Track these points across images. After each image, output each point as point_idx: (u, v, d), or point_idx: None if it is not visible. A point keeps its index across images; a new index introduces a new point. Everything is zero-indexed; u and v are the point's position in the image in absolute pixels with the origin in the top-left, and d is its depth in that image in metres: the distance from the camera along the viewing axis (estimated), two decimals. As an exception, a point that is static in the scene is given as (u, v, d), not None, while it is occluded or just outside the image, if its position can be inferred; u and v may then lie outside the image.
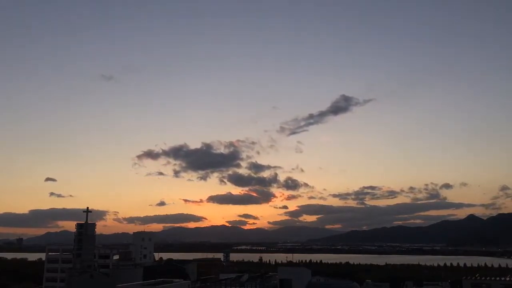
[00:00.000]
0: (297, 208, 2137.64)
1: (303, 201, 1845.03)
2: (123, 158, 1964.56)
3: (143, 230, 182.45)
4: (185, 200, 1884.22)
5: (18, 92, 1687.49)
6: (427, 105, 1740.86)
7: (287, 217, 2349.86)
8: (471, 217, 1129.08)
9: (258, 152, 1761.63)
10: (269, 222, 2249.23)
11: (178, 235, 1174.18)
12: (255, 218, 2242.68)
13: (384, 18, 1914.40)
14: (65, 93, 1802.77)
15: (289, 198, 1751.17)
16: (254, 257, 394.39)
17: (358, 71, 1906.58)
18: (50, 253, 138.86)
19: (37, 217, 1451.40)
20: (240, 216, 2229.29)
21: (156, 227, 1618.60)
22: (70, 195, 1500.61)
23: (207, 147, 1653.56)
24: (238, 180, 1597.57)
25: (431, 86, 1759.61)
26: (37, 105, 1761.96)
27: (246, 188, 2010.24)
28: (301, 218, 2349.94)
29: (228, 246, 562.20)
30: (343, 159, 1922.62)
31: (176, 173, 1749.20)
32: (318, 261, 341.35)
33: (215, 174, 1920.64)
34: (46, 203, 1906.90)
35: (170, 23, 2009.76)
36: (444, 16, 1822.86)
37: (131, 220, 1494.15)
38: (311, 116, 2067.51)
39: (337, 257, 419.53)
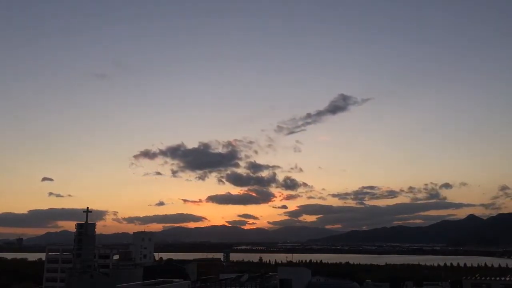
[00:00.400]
0: (297, 208, 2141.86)
1: (302, 201, 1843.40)
2: (120, 158, 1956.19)
3: (143, 230, 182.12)
4: (184, 200, 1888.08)
5: (15, 93, 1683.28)
6: (427, 105, 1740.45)
7: (287, 217, 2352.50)
8: (471, 217, 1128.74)
9: (256, 152, 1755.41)
10: (269, 222, 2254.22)
11: (178, 235, 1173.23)
12: (255, 218, 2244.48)
13: (383, 17, 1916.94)
14: (62, 93, 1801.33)
15: (288, 198, 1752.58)
16: (254, 257, 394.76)
17: (357, 70, 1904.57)
18: (50, 253, 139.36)
19: (37, 217, 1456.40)
20: (240, 216, 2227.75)
21: (156, 227, 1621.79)
22: (69, 195, 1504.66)
23: (205, 147, 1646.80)
24: (236, 179, 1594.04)
25: (430, 86, 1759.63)
26: (35, 105, 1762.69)
27: (245, 188, 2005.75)
28: (301, 218, 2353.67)
29: (228, 246, 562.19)
30: (342, 159, 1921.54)
31: (174, 173, 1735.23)
32: (318, 261, 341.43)
33: (213, 174, 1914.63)
34: (45, 203, 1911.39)
35: (166, 23, 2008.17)
36: (444, 16, 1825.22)
37: (130, 220, 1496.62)
38: (309, 115, 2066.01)
39: (337, 257, 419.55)
